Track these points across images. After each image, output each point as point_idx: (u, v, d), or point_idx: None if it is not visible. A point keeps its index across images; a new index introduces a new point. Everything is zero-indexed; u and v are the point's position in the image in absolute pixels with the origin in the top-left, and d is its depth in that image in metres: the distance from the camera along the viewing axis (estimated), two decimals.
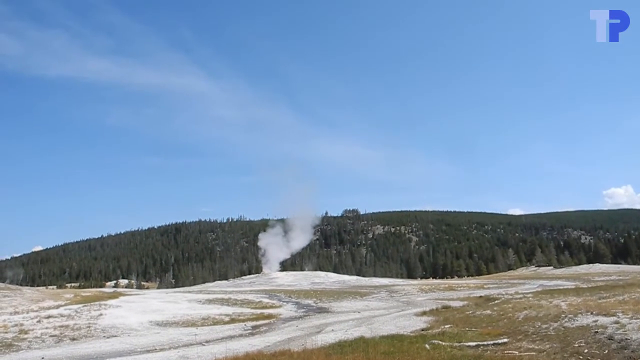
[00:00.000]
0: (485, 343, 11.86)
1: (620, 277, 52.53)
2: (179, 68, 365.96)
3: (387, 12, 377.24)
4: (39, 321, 21.59)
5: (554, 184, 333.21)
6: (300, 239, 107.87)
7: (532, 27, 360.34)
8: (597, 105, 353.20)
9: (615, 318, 11.70)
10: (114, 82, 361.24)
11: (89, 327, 20.85)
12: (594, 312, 13.08)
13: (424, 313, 21.85)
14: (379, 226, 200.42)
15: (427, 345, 11.82)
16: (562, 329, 12.12)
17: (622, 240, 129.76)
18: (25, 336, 18.29)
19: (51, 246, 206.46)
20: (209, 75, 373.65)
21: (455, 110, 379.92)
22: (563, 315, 13.61)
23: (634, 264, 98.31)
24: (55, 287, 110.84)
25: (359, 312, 27.09)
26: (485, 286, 50.25)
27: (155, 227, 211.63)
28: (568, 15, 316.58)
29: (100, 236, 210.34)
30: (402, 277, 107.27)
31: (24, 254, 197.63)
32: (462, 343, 12.05)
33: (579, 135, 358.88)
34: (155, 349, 16.04)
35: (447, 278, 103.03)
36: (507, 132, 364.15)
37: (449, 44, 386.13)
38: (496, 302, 23.05)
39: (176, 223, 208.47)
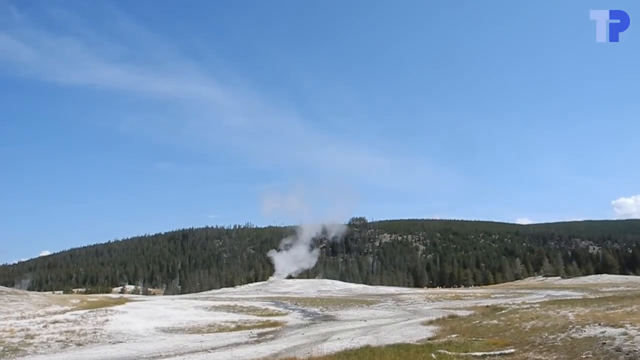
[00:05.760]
0: (491, 353, 11.80)
1: (629, 288, 52.11)
2: (191, 76, 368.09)
3: (397, 23, 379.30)
4: (45, 326, 21.68)
5: (563, 194, 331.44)
6: (335, 230, 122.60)
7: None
8: (606, 115, 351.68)
9: (623, 329, 11.60)
10: (126, 89, 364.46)
11: (95, 332, 20.90)
12: (602, 323, 12.97)
13: (430, 322, 21.76)
14: (385, 234, 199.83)
15: (433, 355, 11.78)
16: (570, 339, 12.03)
17: (630, 251, 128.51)
18: (32, 341, 18.36)
19: (58, 251, 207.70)
20: (219, 83, 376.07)
21: (463, 119, 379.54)
22: (570, 326, 13.51)
23: None
24: (62, 292, 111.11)
25: (365, 321, 26.99)
26: (492, 296, 49.97)
27: (163, 233, 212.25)
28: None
29: (107, 242, 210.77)
30: (408, 286, 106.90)
31: (32, 259, 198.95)
32: (468, 353, 12.00)
33: (588, 144, 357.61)
34: (161, 356, 16.06)
35: (453, 287, 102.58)
36: (516, 141, 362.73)
37: (457, 54, 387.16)
38: (503, 312, 22.90)
39: (183, 229, 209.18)
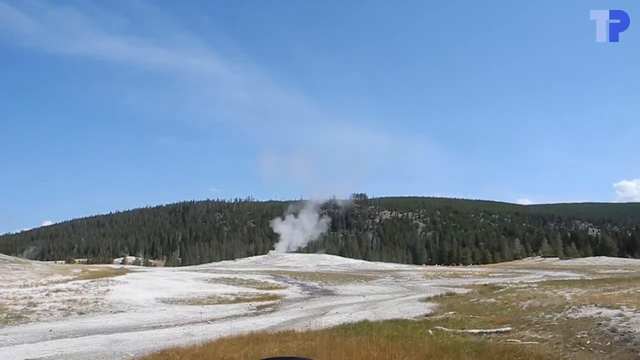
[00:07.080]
0: (488, 331, 11.93)
1: (626, 271, 52.45)
2: (194, 50, 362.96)
3: (404, 6, 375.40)
4: (47, 295, 21.92)
5: (565, 176, 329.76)
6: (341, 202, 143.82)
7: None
8: (609, 101, 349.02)
9: (619, 311, 11.70)
10: (128, 62, 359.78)
11: (96, 302, 21.14)
12: (598, 304, 13.08)
13: (428, 299, 21.97)
14: (386, 211, 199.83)
15: (430, 331, 11.90)
16: (566, 319, 12.15)
17: (629, 234, 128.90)
18: (34, 309, 18.59)
19: (60, 221, 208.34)
20: (223, 58, 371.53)
21: (466, 103, 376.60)
22: (567, 306, 13.63)
23: None
24: (63, 262, 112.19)
25: (363, 296, 27.27)
26: (490, 274, 50.35)
27: (164, 205, 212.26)
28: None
29: (108, 213, 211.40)
30: (407, 263, 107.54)
31: (34, 228, 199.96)
32: (465, 330, 12.13)
33: (591, 128, 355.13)
34: (161, 326, 16.26)
35: (452, 265, 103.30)
36: (519, 124, 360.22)
37: (461, 44, 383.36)
38: (501, 290, 23.10)
39: (184, 202, 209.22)
